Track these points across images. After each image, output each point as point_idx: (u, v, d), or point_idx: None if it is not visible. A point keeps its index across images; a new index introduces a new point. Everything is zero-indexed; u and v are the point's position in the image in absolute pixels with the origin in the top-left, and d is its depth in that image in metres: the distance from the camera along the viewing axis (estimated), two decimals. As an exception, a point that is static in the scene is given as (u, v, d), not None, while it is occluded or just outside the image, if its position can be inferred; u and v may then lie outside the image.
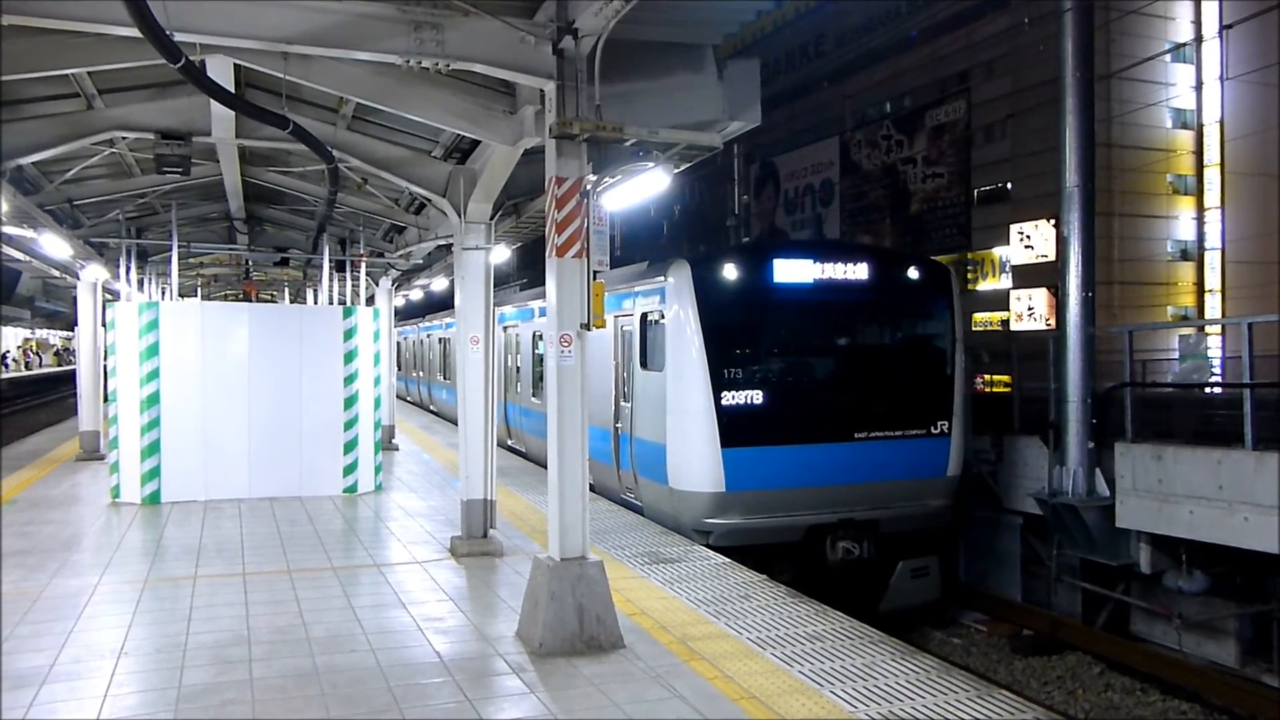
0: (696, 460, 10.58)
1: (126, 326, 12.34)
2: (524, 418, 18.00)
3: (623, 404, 12.37)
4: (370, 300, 19.30)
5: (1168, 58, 33.29)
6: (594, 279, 6.65)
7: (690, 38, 7.19)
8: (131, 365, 12.28)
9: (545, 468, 12.50)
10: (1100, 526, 11.60)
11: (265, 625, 7.16)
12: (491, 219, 9.84)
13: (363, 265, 16.49)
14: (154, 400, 12.26)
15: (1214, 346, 26.19)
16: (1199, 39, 34.22)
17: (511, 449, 18.34)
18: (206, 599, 7.87)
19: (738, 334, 11.09)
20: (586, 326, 6.69)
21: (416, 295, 27.17)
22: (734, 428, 10.55)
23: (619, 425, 12.43)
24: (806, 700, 5.68)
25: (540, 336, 15.40)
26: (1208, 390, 14.18)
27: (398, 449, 18.38)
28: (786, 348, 11.76)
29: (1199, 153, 35.38)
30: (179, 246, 14.89)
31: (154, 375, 12.29)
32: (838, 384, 11.73)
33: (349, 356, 13.16)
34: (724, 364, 10.62)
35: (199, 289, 27.65)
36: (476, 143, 9.37)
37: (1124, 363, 12.29)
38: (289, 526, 10.87)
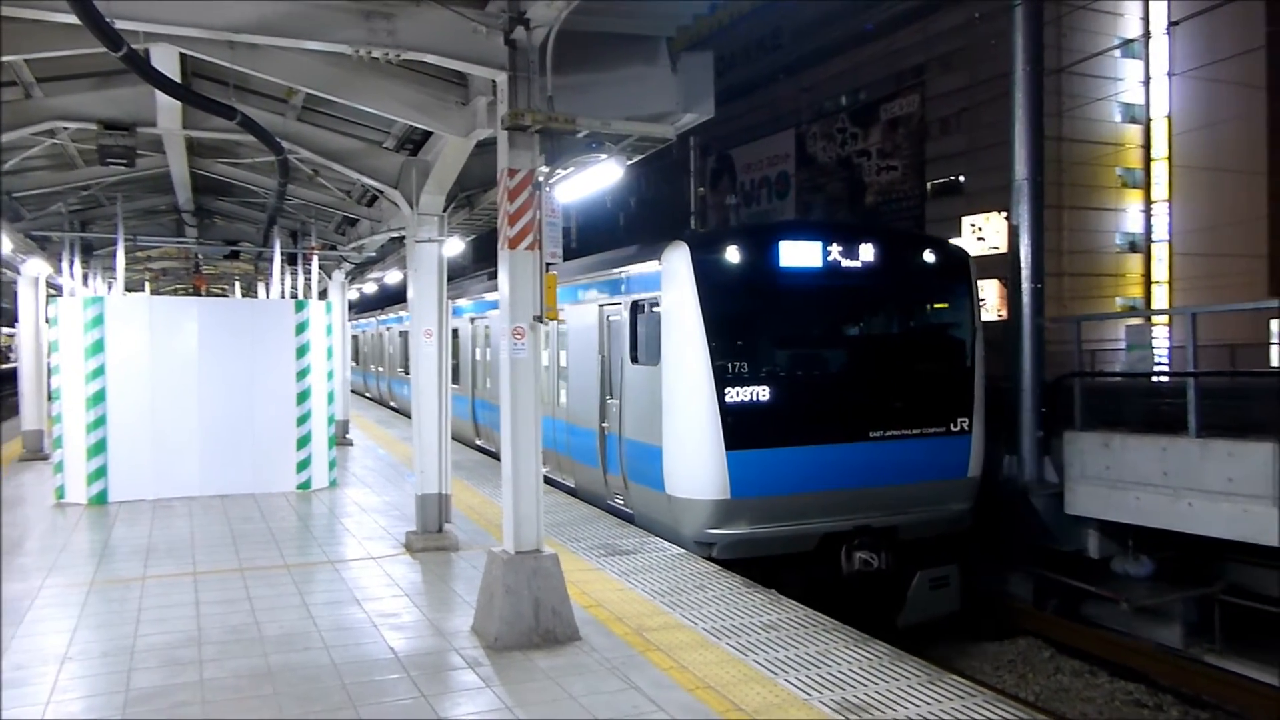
0: (697, 464, 9.56)
1: (70, 322, 12.08)
2: (495, 415, 17.68)
3: (610, 401, 11.36)
4: (323, 294, 19.07)
5: (1117, 53, 33.88)
6: (547, 271, 6.61)
7: (644, 29, 7.17)
8: (76, 362, 12.02)
9: None
10: (1050, 513, 11.80)
11: (217, 625, 7.05)
12: (444, 211, 9.76)
13: (315, 258, 16.29)
14: (99, 398, 12.02)
15: (1160, 336, 26.75)
16: (1147, 35, 34.86)
17: (482, 449, 17.33)
18: (156, 600, 7.74)
19: (742, 323, 10.05)
20: (540, 319, 6.65)
21: (372, 288, 26.82)
22: (739, 428, 9.52)
23: (605, 425, 11.44)
24: (761, 689, 5.72)
25: None
26: (1154, 379, 14.48)
27: (352, 444, 18.20)
28: (795, 338, 10.60)
29: (1147, 147, 36.07)
30: (125, 240, 14.56)
31: (99, 372, 12.04)
32: (851, 378, 10.60)
33: (301, 351, 12.99)
34: (727, 357, 9.58)
35: (147, 283, 27.10)
36: (429, 134, 9.28)
37: (1073, 352, 12.49)
38: (241, 524, 10.72)
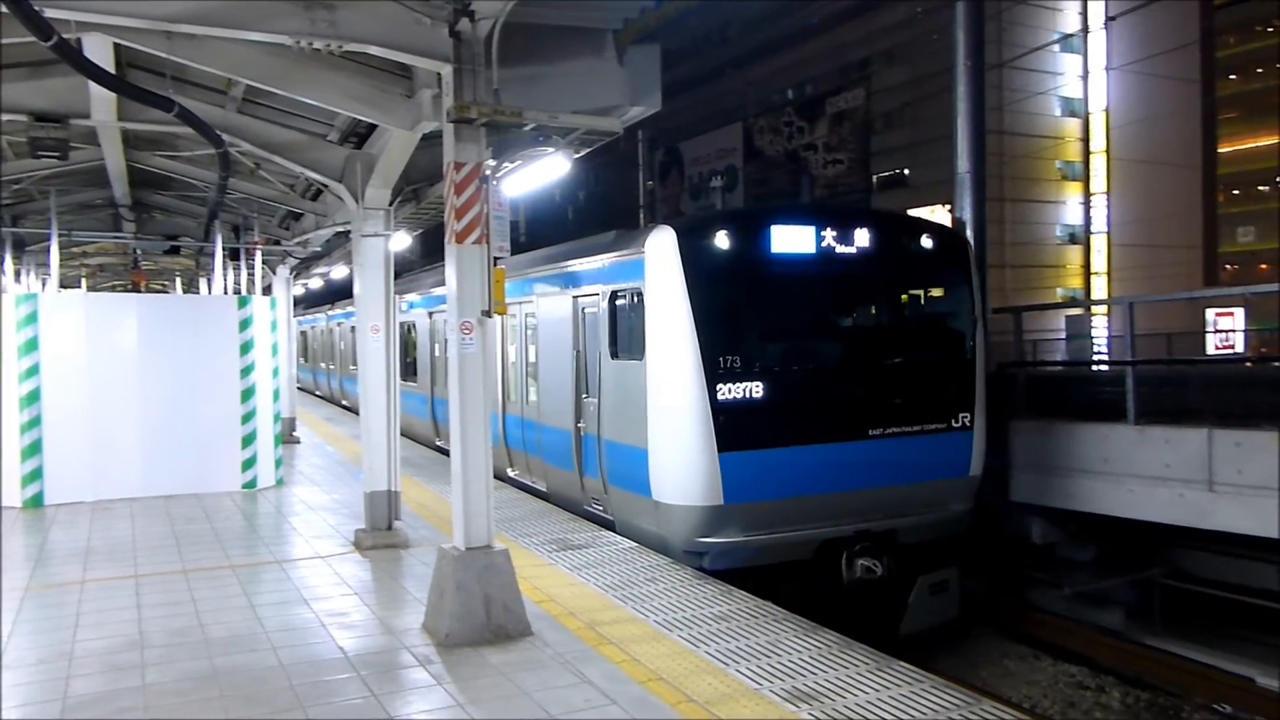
0: (687, 468, 8.86)
1: (1, 320, 11.74)
2: None
3: (586, 399, 10.61)
4: (267, 289, 18.75)
5: (1056, 48, 34.55)
6: (495, 265, 6.56)
7: (590, 22, 7.15)
8: (9, 361, 11.67)
9: (499, 479, 11.81)
10: (996, 501, 12.02)
11: (160, 628, 6.91)
12: (391, 205, 9.64)
13: (258, 253, 16.01)
14: (34, 398, 11.70)
15: (1100, 326, 27.37)
16: (1085, 30, 35.61)
17: (443, 450, 16.07)
18: (95, 604, 7.55)
19: (734, 314, 9.42)
20: (488, 314, 6.61)
21: (318, 283, 26.42)
22: (732, 427, 8.85)
23: (582, 425, 10.69)
24: (713, 679, 5.75)
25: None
26: (1094, 368, 14.81)
27: (299, 442, 17.94)
28: (791, 329, 9.97)
29: (1086, 140, 36.87)
30: (59, 235, 14.17)
31: (33, 371, 11.72)
32: (850, 372, 9.88)
33: (245, 347, 12.77)
34: (718, 350, 8.88)
35: (83, 280, 26.45)
36: (374, 126, 9.16)
37: (1015, 343, 12.73)
38: (185, 525, 10.51)
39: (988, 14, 15.00)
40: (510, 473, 12.96)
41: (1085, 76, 36.09)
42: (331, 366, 29.03)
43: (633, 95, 7.18)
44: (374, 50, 6.53)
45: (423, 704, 5.52)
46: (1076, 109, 36.37)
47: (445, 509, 11.02)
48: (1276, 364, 17.89)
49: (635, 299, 9.55)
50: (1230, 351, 26.24)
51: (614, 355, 9.96)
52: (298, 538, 9.99)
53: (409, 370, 18.16)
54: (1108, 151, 36.33)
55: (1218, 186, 46.85)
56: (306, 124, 9.89)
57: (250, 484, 12.73)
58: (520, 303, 12.50)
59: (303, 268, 21.12)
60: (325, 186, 11.10)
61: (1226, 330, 27.62)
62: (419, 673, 6.02)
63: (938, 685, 5.64)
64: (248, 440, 12.72)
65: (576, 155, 7.11)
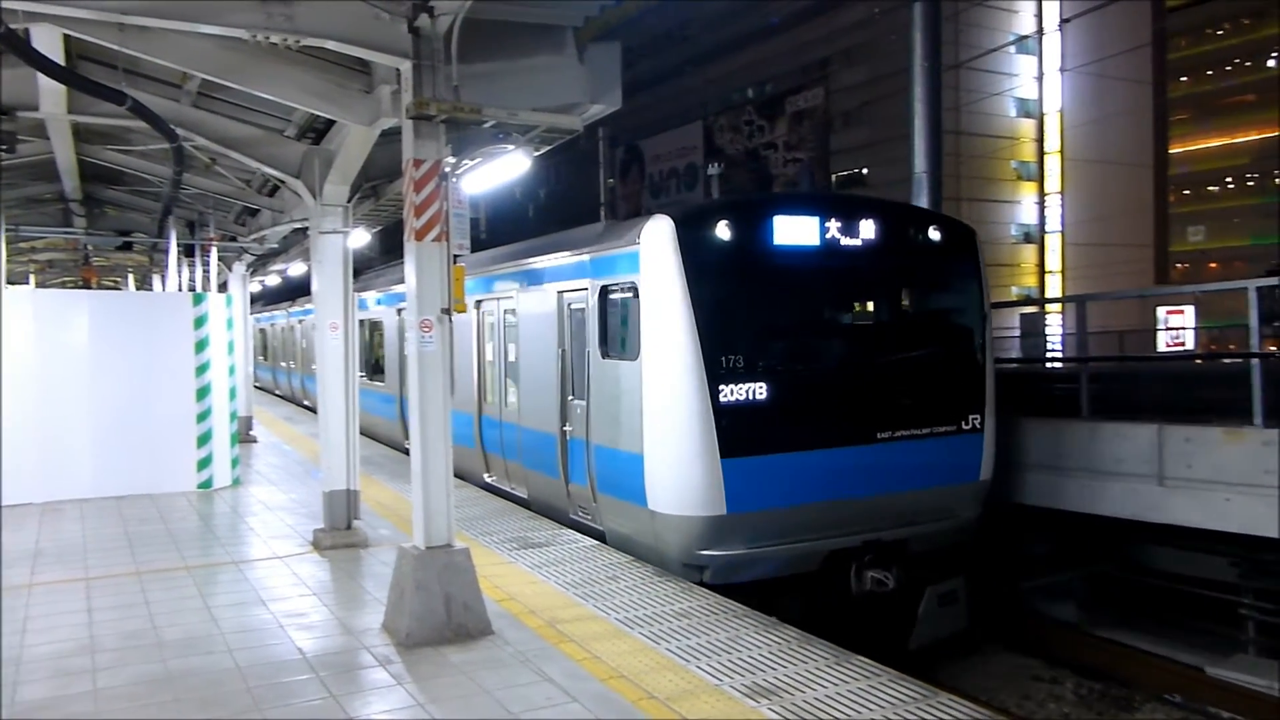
0: (687, 475, 8.29)
1: (-52, 317, 11.46)
2: None
3: (573, 402, 9.99)
4: (223, 286, 18.49)
5: (1012, 49, 35.03)
6: (455, 263, 6.53)
7: (550, 19, 7.13)
8: (-45, 359, 11.40)
9: (471, 482, 11.47)
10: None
11: (112, 631, 6.79)
12: (349, 201, 9.56)
13: (213, 249, 15.76)
14: (-18, 396, 11.43)
15: (1054, 324, 27.81)
16: (1040, 32, 36.13)
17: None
18: (44, 608, 7.40)
19: (737, 310, 8.79)
20: (448, 311, 6.58)
21: (275, 280, 26.06)
22: (735, 431, 8.30)
23: (568, 428, 10.07)
24: (673, 676, 5.77)
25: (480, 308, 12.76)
26: (1048, 365, 15.04)
27: (256, 441, 17.71)
28: (797, 326, 9.45)
29: (1041, 140, 37.44)
30: (7, 230, 13.86)
31: (-19, 369, 11.45)
32: (857, 372, 9.33)
33: (200, 345, 12.58)
34: (720, 349, 8.33)
35: (31, 276, 25.90)
36: (332, 122, 9.07)
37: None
38: (138, 525, 10.34)
39: (945, 15, 15.18)
40: (487, 478, 12.52)
41: (1040, 78, 36.66)
42: (292, 365, 28.01)
43: (593, 93, 7.18)
44: (332, 45, 6.47)
45: (383, 704, 5.49)
46: (1031, 110, 36.92)
47: (405, 508, 10.94)
48: (1226, 360, 18.30)
49: (629, 294, 8.95)
50: (1181, 348, 26.78)
51: (605, 354, 9.34)
52: (255, 538, 9.87)
53: (375, 369, 17.76)
54: (1062, 152, 36.94)
55: (1169, 186, 47.85)
56: (263, 119, 9.77)
57: (206, 484, 12.54)
58: (499, 298, 12.02)
59: (259, 264, 20.83)
60: (282, 182, 10.97)
61: (1177, 328, 28.18)
62: (379, 673, 5.98)
63: (895, 679, 5.72)
64: (203, 439, 12.54)
65: (537, 153, 7.09)
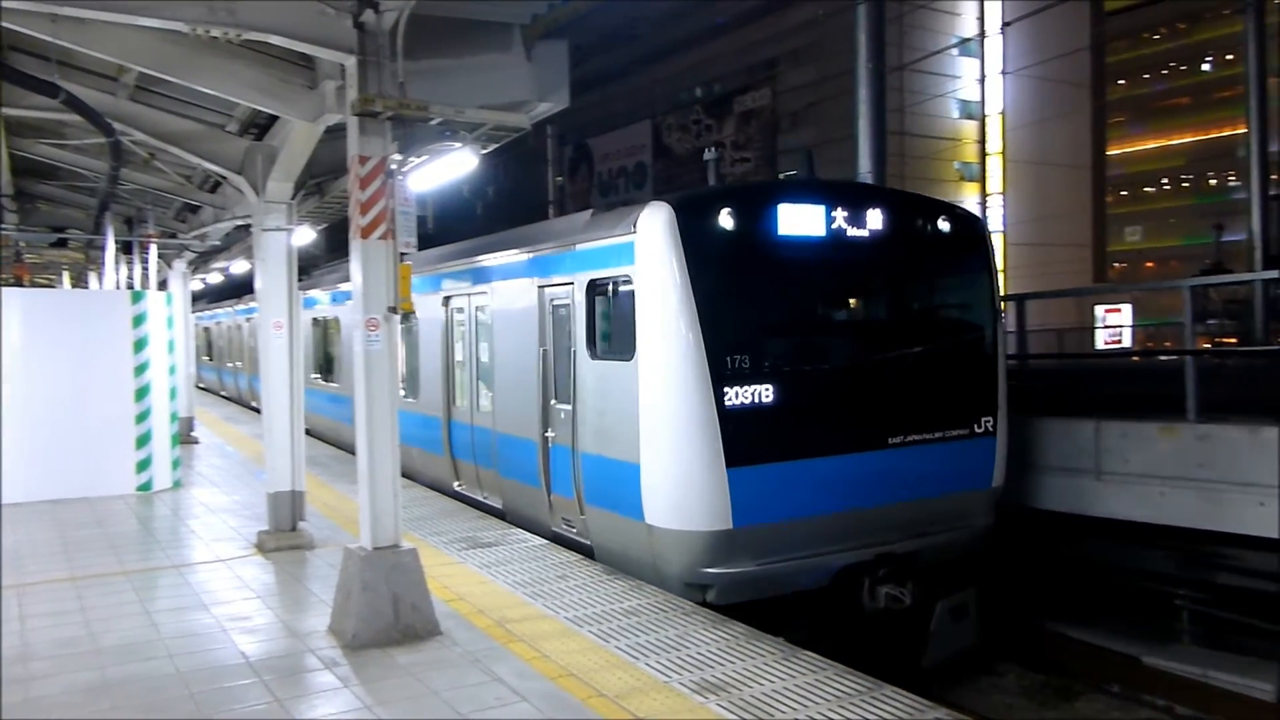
0: (689, 486, 7.64)
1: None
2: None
3: (556, 406, 9.30)
4: (163, 284, 18.11)
5: (955, 52, 35.61)
6: (401, 261, 6.48)
7: (498, 16, 7.11)
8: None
9: (441, 491, 10.94)
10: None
11: (46, 639, 6.62)
12: (293, 199, 9.42)
13: (153, 247, 15.43)
14: (-91, 397, 11.08)
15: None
16: (982, 35, 36.77)
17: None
18: (-23, 613, 7.21)
19: (743, 305, 8.13)
20: (394, 310, 6.52)
21: (218, 278, 25.57)
22: (742, 437, 7.66)
23: (551, 434, 9.37)
24: (623, 674, 5.79)
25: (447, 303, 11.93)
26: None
27: (198, 442, 17.38)
28: (807, 323, 8.90)
29: (982, 141, 38.10)
30: (-65, 227, 13.47)
31: (-92, 370, 11.10)
32: (869, 372, 8.69)
33: (139, 344, 12.31)
34: (726, 348, 7.66)
35: (-40, 273, 25.13)
36: (275, 118, 8.93)
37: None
38: (74, 530, 10.08)
39: (889, 17, 15.39)
40: (457, 486, 11.84)
41: (982, 80, 37.31)
42: (238, 365, 26.67)
43: (541, 91, 7.17)
44: (275, 40, 6.37)
45: (329, 707, 5.43)
46: (974, 111, 37.57)
47: (351, 509, 10.79)
48: (1162, 358, 18.82)
49: (621, 288, 8.24)
50: (1118, 346, 27.48)
51: (594, 355, 8.62)
52: (196, 541, 9.69)
53: (331, 370, 17.14)
54: (1003, 153, 37.65)
55: (1107, 187, 49.01)
56: (204, 114, 9.59)
57: (145, 486, 12.28)
58: (471, 294, 11.28)
59: (201, 262, 20.44)
60: (224, 179, 10.79)
61: (1115, 325, 28.92)
62: (325, 675, 5.91)
63: (840, 673, 5.79)
64: (142, 441, 12.27)
65: (484, 151, 7.07)
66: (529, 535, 9.54)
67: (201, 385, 31.57)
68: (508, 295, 10.32)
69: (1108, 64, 47.59)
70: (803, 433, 8.09)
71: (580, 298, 8.76)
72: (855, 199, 8.78)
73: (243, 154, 9.49)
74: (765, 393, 7.81)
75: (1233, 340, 23.16)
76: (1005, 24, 34.18)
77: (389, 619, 6.43)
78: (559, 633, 6.58)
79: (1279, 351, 17.72)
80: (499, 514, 10.55)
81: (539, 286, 9.56)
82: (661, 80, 38.77)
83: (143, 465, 12.29)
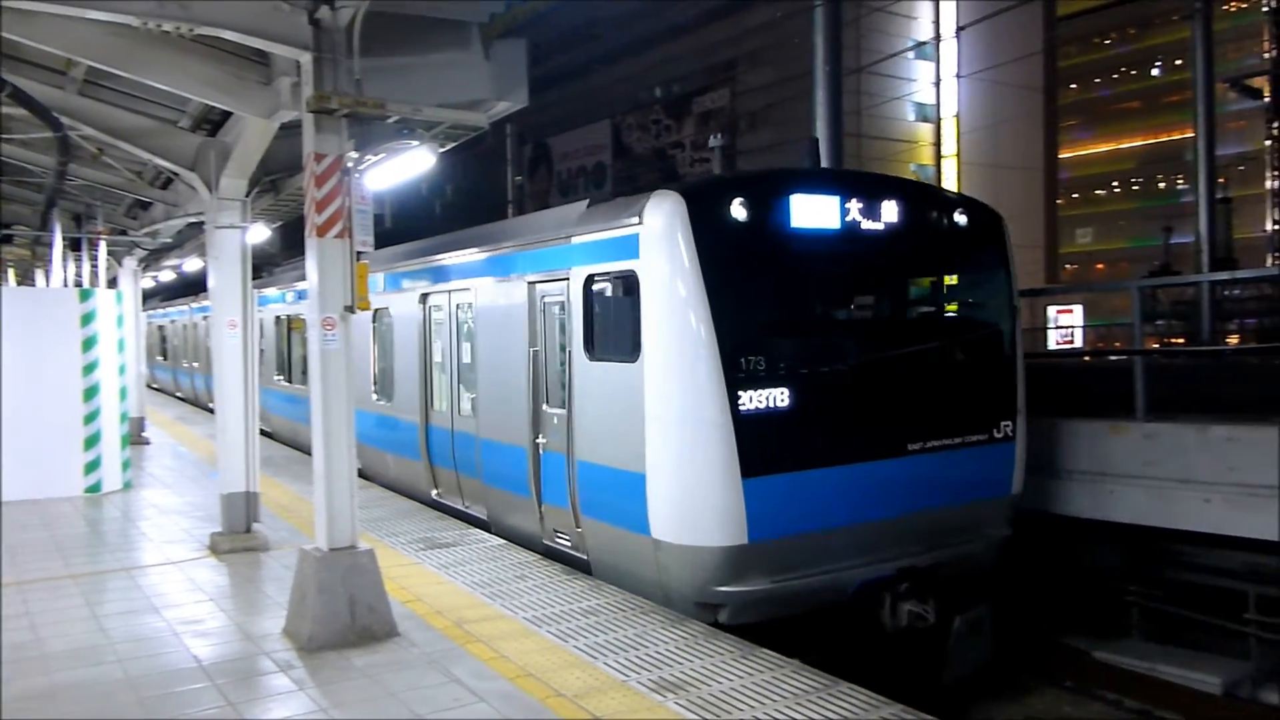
0: (701, 497, 7.11)
1: None
2: (375, 428, 12.65)
3: (549, 410, 8.74)
4: (113, 282, 17.79)
5: (911, 55, 36.00)
6: (358, 259, 6.43)
7: (456, 14, 7.06)
8: None
9: (418, 499, 10.53)
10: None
11: (-8, 643, 6.48)
12: (247, 196, 9.31)
13: (102, 244, 15.14)
14: None
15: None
16: (938, 38, 37.22)
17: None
18: (-82, 618, 7.03)
19: (757, 302, 7.62)
20: (351, 309, 6.46)
21: (170, 276, 25.10)
22: (758, 445, 7.12)
23: (542, 441, 8.78)
24: (581, 673, 5.79)
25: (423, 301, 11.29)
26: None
27: (149, 443, 17.08)
28: (826, 323, 8.47)
29: (938, 144, 38.56)
30: (-126, 222, 13.10)
31: None
32: (889, 374, 8.13)
33: (88, 344, 12.08)
34: (740, 349, 7.14)
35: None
36: (228, 114, 8.80)
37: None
38: (19, 533, 9.86)
39: (846, 20, 15.53)
40: (434, 494, 11.23)
41: (937, 83, 37.76)
42: (195, 365, 25.69)
43: (499, 90, 7.14)
44: (228, 35, 6.29)
45: (283, 710, 5.37)
46: (929, 114, 38.03)
47: (307, 509, 10.70)
48: (1113, 357, 19.19)
49: (625, 284, 7.64)
50: (1070, 346, 27.97)
51: (593, 355, 8.02)
52: (147, 543, 9.53)
53: (297, 371, 16.56)
54: (958, 155, 38.15)
55: (1059, 190, 49.81)
56: (155, 108, 9.42)
57: (94, 488, 12.05)
58: (451, 291, 10.68)
59: (152, 259, 20.10)
60: (176, 175, 10.61)
61: (1067, 326, 29.42)
62: (280, 678, 5.85)
63: (798, 670, 5.84)
64: (91, 442, 12.04)
65: (442, 149, 7.02)
66: (487, 535, 9.50)
67: (156, 386, 30.96)
68: (495, 292, 9.74)
69: (1060, 68, 48.36)
70: (821, 439, 7.59)
71: (577, 295, 8.18)
72: (871, 189, 8.26)
73: (195, 150, 9.35)
74: (781, 396, 7.29)
75: (1180, 340, 23.69)
76: (960, 28, 34.63)
77: (345, 621, 6.37)
78: (517, 633, 6.57)
79: (1224, 351, 18.17)
80: (482, 524, 10.00)
81: (529, 283, 8.98)
82: (621, 80, 38.76)
83: (91, 466, 12.06)
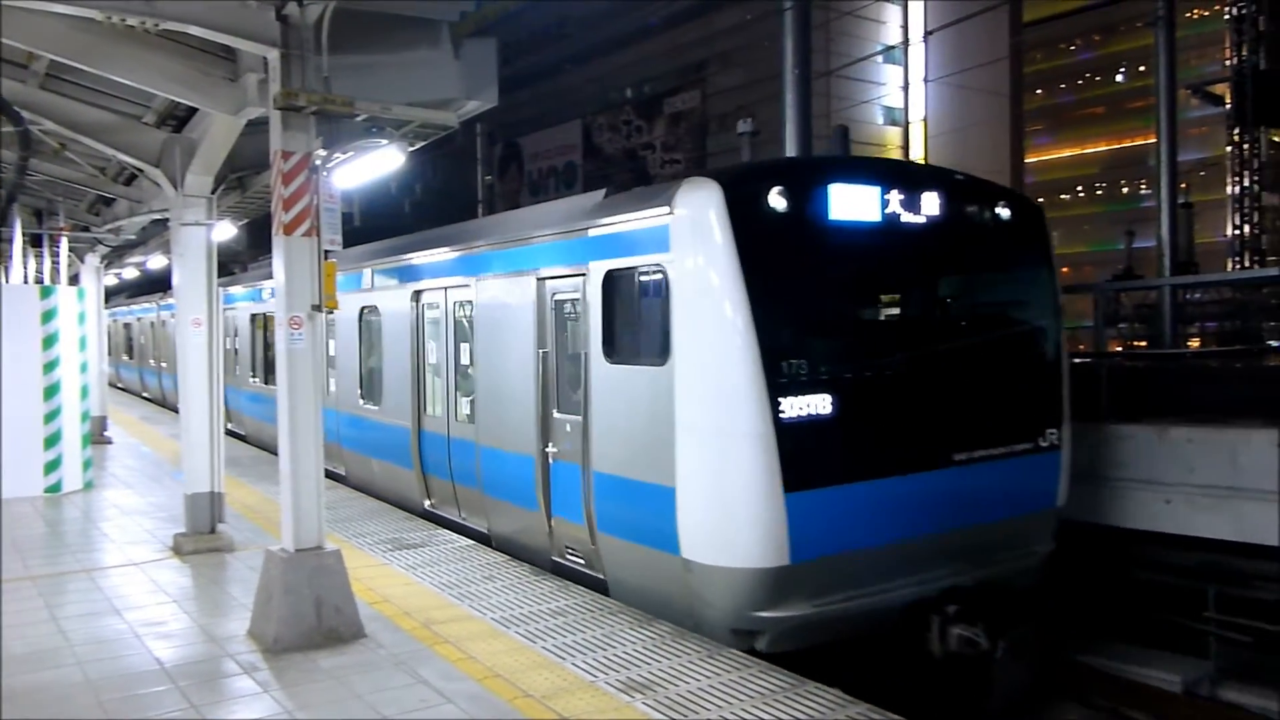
0: (740, 514, 6.50)
1: None
2: (359, 432, 12.31)
3: (560, 417, 8.19)
4: (75, 279, 17.53)
5: (879, 59, 36.26)
6: (326, 258, 6.39)
7: (426, 13, 7.01)
8: None
9: (410, 510, 10.30)
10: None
11: (-52, 645, 6.37)
12: (213, 193, 9.21)
13: (63, 240, 14.93)
14: None
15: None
16: (906, 43, 37.52)
17: (334, 475, 11.98)
18: (-128, 621, 6.89)
19: (799, 301, 7.03)
20: (319, 308, 6.42)
21: (136, 272, 24.73)
22: (801, 455, 6.55)
23: (553, 449, 8.23)
24: (549, 674, 5.79)
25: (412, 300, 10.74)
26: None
27: (111, 442, 16.85)
28: (868, 323, 7.86)
29: (906, 148, 38.87)
30: None
31: None
32: (935, 378, 7.62)
33: (49, 341, 11.89)
34: (781, 351, 6.54)
35: None
36: (194, 110, 8.71)
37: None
38: (-22, 533, 9.70)
39: (816, 23, 15.63)
40: (427, 504, 10.67)
41: (906, 87, 38.08)
42: (163, 364, 24.77)
43: (469, 89, 7.11)
44: (194, 31, 6.23)
45: (247, 712, 5.33)
46: (898, 118, 38.35)
47: (273, 510, 10.60)
48: (1075, 360, 19.43)
49: (652, 280, 7.05)
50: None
51: (613, 358, 7.42)
52: (109, 544, 9.40)
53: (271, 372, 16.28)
54: (925, 159, 38.48)
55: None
56: (119, 104, 9.30)
57: (54, 488, 11.86)
58: (448, 288, 10.12)
59: (115, 256, 19.82)
60: (140, 171, 10.47)
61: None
62: (244, 680, 5.80)
63: (764, 670, 5.87)
64: (51, 441, 11.85)
65: (411, 148, 6.98)
66: (455, 536, 9.45)
67: (121, 386, 30.45)
68: (497, 289, 9.13)
69: (1026, 74, 48.92)
70: (866, 449, 7.06)
71: (595, 292, 7.54)
72: (913, 180, 7.75)
73: (160, 146, 9.24)
74: (825, 402, 6.71)
75: (1143, 344, 24.01)
76: (928, 32, 34.93)
77: (312, 622, 6.32)
78: (486, 633, 6.55)
79: (1183, 355, 18.47)
80: (483, 539, 9.41)
81: (538, 279, 8.34)
82: (592, 80, 38.74)
83: (52, 466, 11.87)
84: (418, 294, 10.78)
